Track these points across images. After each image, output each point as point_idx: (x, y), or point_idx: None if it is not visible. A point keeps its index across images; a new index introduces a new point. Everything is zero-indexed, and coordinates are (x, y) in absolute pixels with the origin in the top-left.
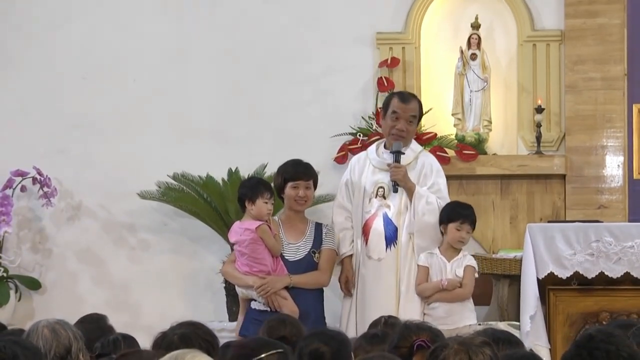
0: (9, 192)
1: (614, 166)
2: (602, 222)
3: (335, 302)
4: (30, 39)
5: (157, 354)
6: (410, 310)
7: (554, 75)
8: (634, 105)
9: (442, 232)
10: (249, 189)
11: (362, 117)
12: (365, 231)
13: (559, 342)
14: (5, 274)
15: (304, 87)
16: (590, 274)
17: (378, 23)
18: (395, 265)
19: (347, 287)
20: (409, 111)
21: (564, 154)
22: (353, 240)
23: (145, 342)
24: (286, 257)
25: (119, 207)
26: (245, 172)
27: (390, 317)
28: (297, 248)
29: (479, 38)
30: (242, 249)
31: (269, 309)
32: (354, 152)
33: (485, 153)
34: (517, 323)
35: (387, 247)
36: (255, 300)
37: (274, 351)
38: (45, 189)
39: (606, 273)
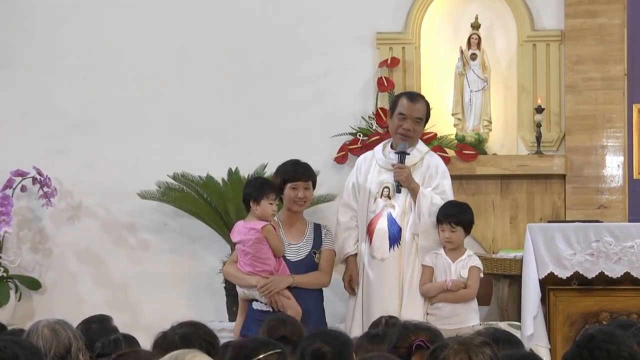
0: (9, 192)
1: (614, 166)
2: (602, 222)
3: (335, 302)
4: (30, 39)
5: (157, 354)
6: (413, 310)
7: (554, 75)
8: (634, 105)
9: None
10: (255, 189)
11: (362, 117)
12: (370, 231)
13: (559, 342)
14: (5, 274)
15: (304, 87)
16: (590, 274)
17: (378, 23)
18: (399, 265)
19: (351, 285)
20: (416, 111)
21: (564, 154)
22: (357, 240)
23: (145, 342)
24: (288, 258)
25: (119, 207)
26: (245, 172)
27: (391, 317)
28: (298, 248)
29: (479, 38)
30: (245, 248)
31: (271, 309)
32: (354, 152)
33: (485, 153)
34: (518, 323)
35: (390, 247)
36: (256, 301)
37: (273, 351)
38: (45, 189)
39: (606, 273)
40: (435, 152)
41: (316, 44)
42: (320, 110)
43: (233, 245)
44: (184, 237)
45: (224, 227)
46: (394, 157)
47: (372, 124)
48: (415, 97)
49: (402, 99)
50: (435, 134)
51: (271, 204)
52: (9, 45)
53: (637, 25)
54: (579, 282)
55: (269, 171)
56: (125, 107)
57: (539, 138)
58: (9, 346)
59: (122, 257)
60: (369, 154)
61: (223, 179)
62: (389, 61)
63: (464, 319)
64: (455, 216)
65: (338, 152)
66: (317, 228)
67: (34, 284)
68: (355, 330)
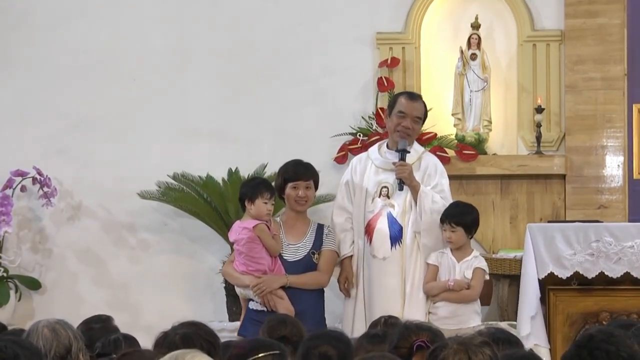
0: (9, 192)
1: (614, 166)
2: (602, 222)
3: (335, 302)
4: (30, 39)
5: (158, 354)
6: (415, 310)
7: (554, 75)
8: (634, 105)
9: None
10: (250, 188)
11: (362, 117)
12: (369, 231)
13: (559, 342)
14: (5, 274)
15: (304, 87)
16: (590, 274)
17: (378, 23)
18: (401, 264)
19: (346, 287)
20: (415, 110)
21: (564, 154)
22: (353, 242)
23: (145, 342)
24: (285, 258)
25: (119, 207)
26: (245, 172)
27: (390, 317)
28: (296, 249)
29: (479, 38)
30: (239, 247)
31: (265, 309)
32: (354, 152)
33: (485, 153)
34: None
35: (392, 246)
36: (253, 300)
37: (271, 352)
38: (45, 189)
39: (606, 273)
40: (435, 152)
41: (316, 44)
42: (320, 110)
43: (232, 245)
44: (184, 237)
45: (223, 227)
46: (391, 157)
47: (372, 124)
48: (414, 96)
49: (401, 97)
50: (435, 134)
51: (266, 203)
52: (9, 45)
53: (637, 25)
54: (579, 282)
55: (269, 171)
56: (125, 107)
57: (539, 138)
58: (9, 346)
59: (122, 257)
60: (363, 155)
61: (223, 179)
62: (389, 61)
63: (465, 320)
64: (455, 216)
65: (338, 152)
66: (320, 228)
67: (34, 284)
68: (359, 331)
